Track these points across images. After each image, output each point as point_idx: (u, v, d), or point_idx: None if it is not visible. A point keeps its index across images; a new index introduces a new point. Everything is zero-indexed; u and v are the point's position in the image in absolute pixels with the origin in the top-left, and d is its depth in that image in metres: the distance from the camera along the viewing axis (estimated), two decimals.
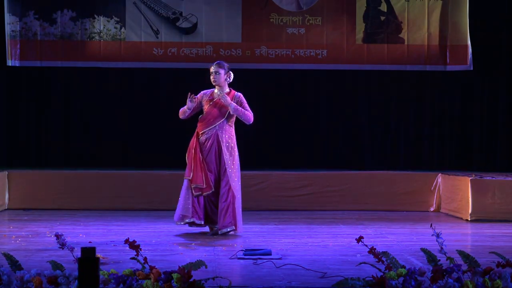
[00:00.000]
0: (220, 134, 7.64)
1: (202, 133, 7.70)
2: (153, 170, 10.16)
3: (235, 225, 7.62)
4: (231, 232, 7.60)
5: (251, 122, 7.76)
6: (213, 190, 7.61)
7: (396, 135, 11.05)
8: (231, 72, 7.73)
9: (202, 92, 7.85)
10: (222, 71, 7.65)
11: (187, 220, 7.54)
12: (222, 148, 7.62)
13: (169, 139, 10.81)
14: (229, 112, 7.62)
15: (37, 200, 9.79)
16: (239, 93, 7.80)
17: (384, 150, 11.06)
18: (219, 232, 7.54)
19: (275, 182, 10.09)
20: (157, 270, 4.60)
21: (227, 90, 7.74)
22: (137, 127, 10.88)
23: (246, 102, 7.76)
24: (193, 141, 7.69)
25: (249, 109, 7.73)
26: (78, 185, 9.91)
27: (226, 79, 7.70)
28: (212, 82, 7.70)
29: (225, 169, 7.63)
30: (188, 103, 7.74)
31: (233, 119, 7.73)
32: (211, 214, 7.68)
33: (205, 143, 7.64)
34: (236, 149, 7.76)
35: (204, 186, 7.58)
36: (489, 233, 8.08)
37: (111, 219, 8.85)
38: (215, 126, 7.66)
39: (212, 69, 7.69)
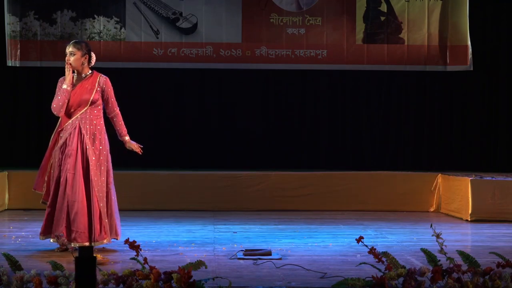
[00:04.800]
0: (83, 125, 6.44)
1: (63, 129, 6.50)
2: (153, 170, 10.16)
3: (116, 234, 6.52)
4: (105, 245, 6.48)
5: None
6: (48, 201, 6.48)
7: (396, 135, 11.05)
8: (93, 55, 6.60)
9: (61, 78, 6.61)
10: (79, 53, 6.52)
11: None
12: (85, 142, 6.43)
13: (169, 139, 10.81)
14: (92, 98, 6.47)
15: (37, 200, 9.71)
16: (106, 78, 6.61)
17: (384, 150, 11.06)
18: (94, 246, 6.26)
19: (275, 182, 10.09)
20: (157, 270, 4.60)
21: (89, 72, 6.59)
22: (136, 127, 10.82)
23: (113, 91, 6.64)
24: (51, 140, 6.57)
25: (116, 104, 6.67)
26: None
27: (83, 63, 6.55)
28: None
29: (89, 166, 6.41)
30: (69, 74, 6.45)
31: (100, 107, 6.56)
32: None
33: (66, 141, 6.45)
34: (106, 142, 6.61)
35: (43, 192, 6.63)
36: (489, 233, 8.08)
37: None
38: (77, 117, 6.46)
39: (67, 49, 6.53)
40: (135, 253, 4.79)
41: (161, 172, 10.07)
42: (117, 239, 6.55)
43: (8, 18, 10.43)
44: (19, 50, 10.45)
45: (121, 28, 10.55)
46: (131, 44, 10.55)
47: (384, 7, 10.70)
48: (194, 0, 10.59)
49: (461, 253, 5.02)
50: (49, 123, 10.79)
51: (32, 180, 9.85)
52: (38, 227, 8.08)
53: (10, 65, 10.48)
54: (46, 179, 6.64)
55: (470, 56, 10.64)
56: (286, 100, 11.03)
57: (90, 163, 6.42)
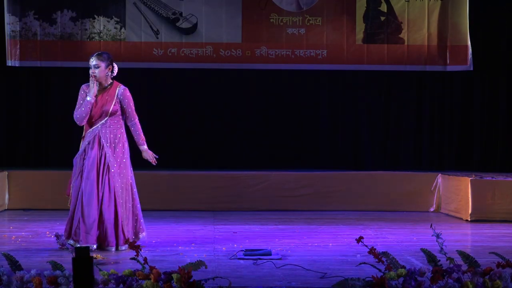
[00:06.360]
0: (103, 134, 6.65)
1: (84, 137, 6.73)
2: (153, 170, 10.14)
3: (137, 237, 6.67)
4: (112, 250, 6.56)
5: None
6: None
7: (396, 136, 11.05)
8: (115, 65, 6.76)
9: (84, 85, 6.76)
10: (103, 64, 6.65)
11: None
12: (105, 150, 6.61)
13: (169, 139, 10.81)
14: (112, 110, 6.64)
15: (37, 200, 9.79)
16: (124, 88, 6.76)
17: (384, 150, 11.06)
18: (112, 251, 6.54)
19: (275, 182, 10.09)
20: (157, 270, 4.60)
21: (109, 83, 6.73)
22: None
23: (132, 101, 6.80)
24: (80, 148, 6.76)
25: (135, 114, 6.85)
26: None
27: (107, 74, 6.69)
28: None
29: (109, 173, 6.62)
30: (94, 86, 6.63)
31: (120, 116, 6.74)
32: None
33: (85, 149, 6.63)
34: (126, 150, 6.77)
35: (70, 198, 6.76)
36: (489, 233, 8.08)
37: None
38: (97, 126, 6.66)
39: (91, 62, 6.65)
40: (135, 253, 4.80)
41: (161, 172, 10.06)
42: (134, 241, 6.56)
43: (8, 18, 10.43)
44: (19, 50, 10.45)
45: (121, 28, 10.54)
46: (131, 44, 10.54)
47: (384, 7, 10.69)
48: (194, 0, 10.59)
49: (461, 253, 5.02)
50: (49, 123, 10.84)
51: (32, 180, 9.95)
52: (38, 227, 8.11)
53: (10, 65, 10.48)
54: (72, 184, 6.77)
55: (470, 56, 10.64)
56: (286, 100, 11.02)
57: (111, 170, 6.61)
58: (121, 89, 6.72)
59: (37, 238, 7.28)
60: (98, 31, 10.52)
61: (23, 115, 10.82)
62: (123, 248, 6.52)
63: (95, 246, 6.49)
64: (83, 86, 6.73)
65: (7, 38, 10.45)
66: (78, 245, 6.42)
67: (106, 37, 10.52)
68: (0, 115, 10.77)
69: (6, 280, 4.59)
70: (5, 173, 9.83)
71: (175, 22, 10.59)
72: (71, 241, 6.54)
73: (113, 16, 10.54)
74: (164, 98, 10.90)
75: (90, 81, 6.65)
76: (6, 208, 9.73)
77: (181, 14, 10.59)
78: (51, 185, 9.85)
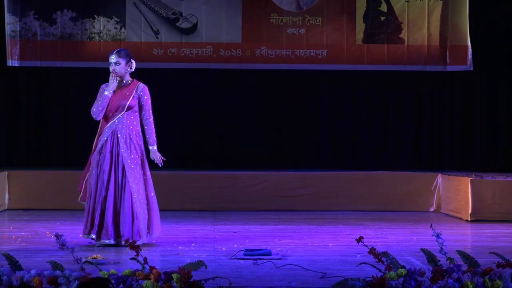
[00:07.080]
0: (119, 129, 6.78)
1: (101, 133, 6.87)
2: (153, 170, 10.14)
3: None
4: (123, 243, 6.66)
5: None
6: (84, 201, 6.80)
7: (396, 135, 11.05)
8: (133, 61, 6.94)
9: (103, 85, 6.90)
10: (123, 61, 6.83)
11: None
12: (120, 146, 6.75)
13: (168, 139, 10.80)
14: (129, 104, 6.77)
15: (37, 200, 9.79)
16: (144, 86, 6.94)
17: (384, 150, 11.06)
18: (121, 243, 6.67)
19: (275, 182, 10.08)
20: (157, 270, 4.60)
21: (129, 80, 6.94)
22: None
23: (150, 99, 6.93)
24: (94, 145, 6.94)
25: (151, 112, 6.93)
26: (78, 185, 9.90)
27: (127, 70, 6.88)
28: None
29: (124, 168, 6.75)
30: (114, 82, 6.80)
31: (136, 113, 6.86)
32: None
33: (103, 145, 6.79)
34: (141, 146, 6.90)
35: (81, 193, 6.87)
36: (489, 233, 8.08)
37: None
38: (114, 121, 6.79)
39: (111, 59, 6.81)
40: (135, 253, 4.80)
41: (161, 172, 10.04)
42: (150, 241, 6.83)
43: (8, 18, 10.43)
44: (18, 50, 10.45)
45: (121, 28, 10.54)
46: (131, 44, 10.54)
47: (384, 7, 10.70)
48: (194, 0, 10.59)
49: (461, 253, 5.02)
50: (49, 123, 10.84)
51: (32, 180, 9.95)
52: (38, 227, 8.11)
53: (10, 65, 10.48)
54: (85, 181, 6.89)
55: (470, 56, 10.64)
56: (286, 100, 11.02)
57: (126, 165, 6.73)
58: (141, 86, 6.89)
59: (37, 238, 7.28)
60: (98, 31, 10.52)
61: (23, 115, 10.82)
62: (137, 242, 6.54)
63: (112, 241, 6.65)
64: (103, 86, 6.89)
65: (7, 38, 10.45)
66: (101, 241, 6.65)
67: (106, 37, 10.52)
68: (0, 115, 10.77)
69: (6, 280, 4.59)
70: (5, 173, 9.83)
71: (175, 22, 10.60)
72: (93, 236, 6.66)
73: (113, 16, 10.54)
74: (163, 98, 10.87)
75: (110, 77, 6.80)
76: (6, 208, 9.73)
77: (181, 14, 10.60)
78: (51, 185, 9.86)
